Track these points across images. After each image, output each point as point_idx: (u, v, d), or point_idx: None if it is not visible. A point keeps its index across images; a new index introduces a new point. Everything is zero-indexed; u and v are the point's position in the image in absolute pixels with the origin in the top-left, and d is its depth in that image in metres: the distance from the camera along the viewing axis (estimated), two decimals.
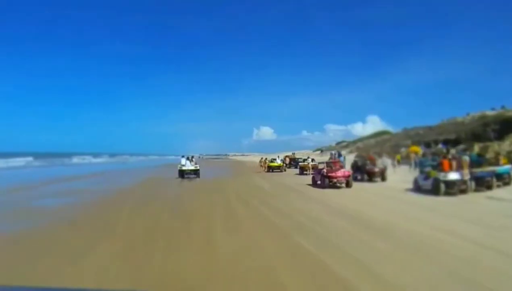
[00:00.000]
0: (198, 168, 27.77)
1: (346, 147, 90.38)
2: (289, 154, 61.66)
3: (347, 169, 21.04)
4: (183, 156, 28.37)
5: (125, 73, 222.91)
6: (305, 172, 30.54)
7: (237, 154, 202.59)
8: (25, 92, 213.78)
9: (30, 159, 65.24)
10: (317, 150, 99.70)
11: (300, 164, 32.70)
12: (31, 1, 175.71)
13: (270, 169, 35.49)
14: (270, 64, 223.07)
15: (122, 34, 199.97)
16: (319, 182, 20.82)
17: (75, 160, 76.20)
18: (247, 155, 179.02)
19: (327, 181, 19.44)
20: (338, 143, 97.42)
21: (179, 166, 27.66)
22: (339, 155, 30.33)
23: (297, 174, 31.37)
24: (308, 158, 31.67)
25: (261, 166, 36.38)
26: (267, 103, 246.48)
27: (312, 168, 30.07)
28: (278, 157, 37.71)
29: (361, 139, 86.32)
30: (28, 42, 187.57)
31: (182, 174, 26.99)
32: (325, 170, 19.88)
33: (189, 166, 27.53)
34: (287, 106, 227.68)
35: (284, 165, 36.49)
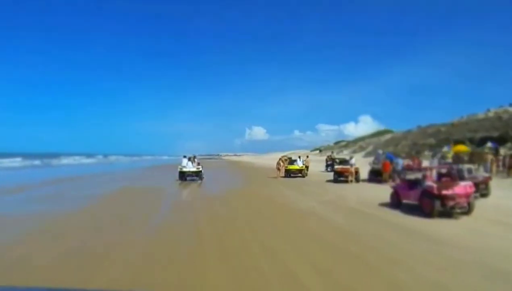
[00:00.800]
0: (201, 169, 23.17)
1: (346, 146, 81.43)
2: (288, 153, 51.90)
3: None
4: (185, 156, 23.54)
5: (120, 73, 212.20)
6: (341, 178, 20.99)
7: (229, 154, 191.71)
8: (25, 90, 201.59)
9: (18, 159, 59.97)
10: (315, 149, 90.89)
11: (336, 167, 22.41)
12: None
13: (288, 173, 26.00)
14: (263, 64, 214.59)
15: (119, 33, 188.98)
16: (408, 201, 11.39)
17: (65, 161, 71.73)
18: (239, 155, 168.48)
19: (438, 203, 10.00)
20: (336, 142, 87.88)
21: (180, 167, 23.13)
22: (392, 157, 20.38)
23: (329, 181, 21.78)
24: (352, 158, 21.26)
25: (278, 169, 26.35)
26: (260, 103, 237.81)
27: (355, 173, 20.68)
28: (300, 157, 27.56)
29: (362, 138, 77.12)
30: (22, 32, 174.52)
31: (183, 176, 22.70)
32: (434, 185, 10.34)
33: (190, 167, 23.02)
34: (279, 106, 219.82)
35: (305, 167, 26.86)
